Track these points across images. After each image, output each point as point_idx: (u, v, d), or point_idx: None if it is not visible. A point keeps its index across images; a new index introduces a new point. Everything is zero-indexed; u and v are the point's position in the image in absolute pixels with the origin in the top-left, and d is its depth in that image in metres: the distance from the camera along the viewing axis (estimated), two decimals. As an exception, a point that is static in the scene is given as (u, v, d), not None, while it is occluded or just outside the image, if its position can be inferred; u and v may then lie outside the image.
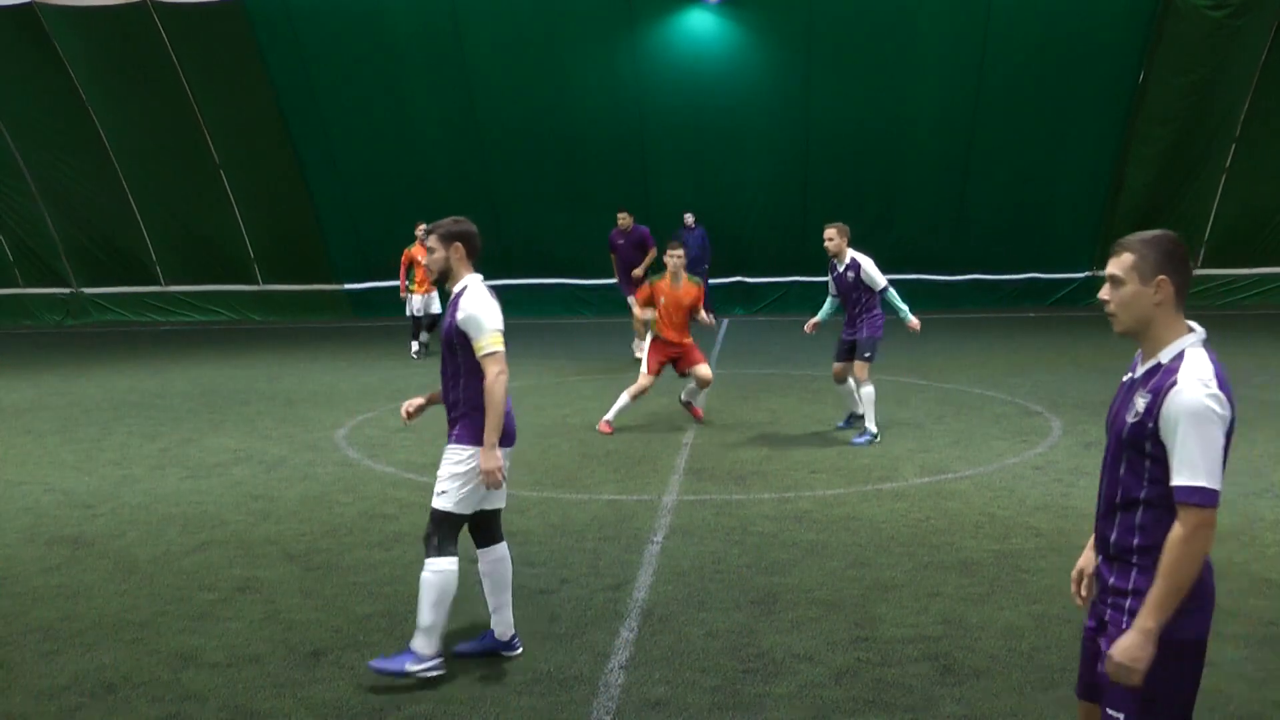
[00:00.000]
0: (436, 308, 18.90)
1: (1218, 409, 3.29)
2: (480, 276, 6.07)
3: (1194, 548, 3.28)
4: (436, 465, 6.08)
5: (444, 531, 5.91)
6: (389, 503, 9.62)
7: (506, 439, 5.98)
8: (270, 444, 12.25)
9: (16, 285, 27.53)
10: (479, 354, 5.81)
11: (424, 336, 19.13)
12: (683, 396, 12.91)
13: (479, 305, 5.86)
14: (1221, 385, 3.33)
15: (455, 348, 5.91)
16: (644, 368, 12.60)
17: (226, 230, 25.69)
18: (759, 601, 7.02)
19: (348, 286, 26.04)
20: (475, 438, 5.85)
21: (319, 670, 6.03)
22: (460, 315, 5.86)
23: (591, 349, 19.86)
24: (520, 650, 6.28)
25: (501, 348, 5.84)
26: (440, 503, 5.91)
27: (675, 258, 12.61)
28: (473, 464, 5.85)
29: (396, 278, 19.69)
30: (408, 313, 19.30)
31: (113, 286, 27.04)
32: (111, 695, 5.85)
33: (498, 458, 5.79)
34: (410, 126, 24.12)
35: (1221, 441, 3.31)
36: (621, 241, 18.66)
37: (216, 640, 6.53)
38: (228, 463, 11.38)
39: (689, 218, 21.83)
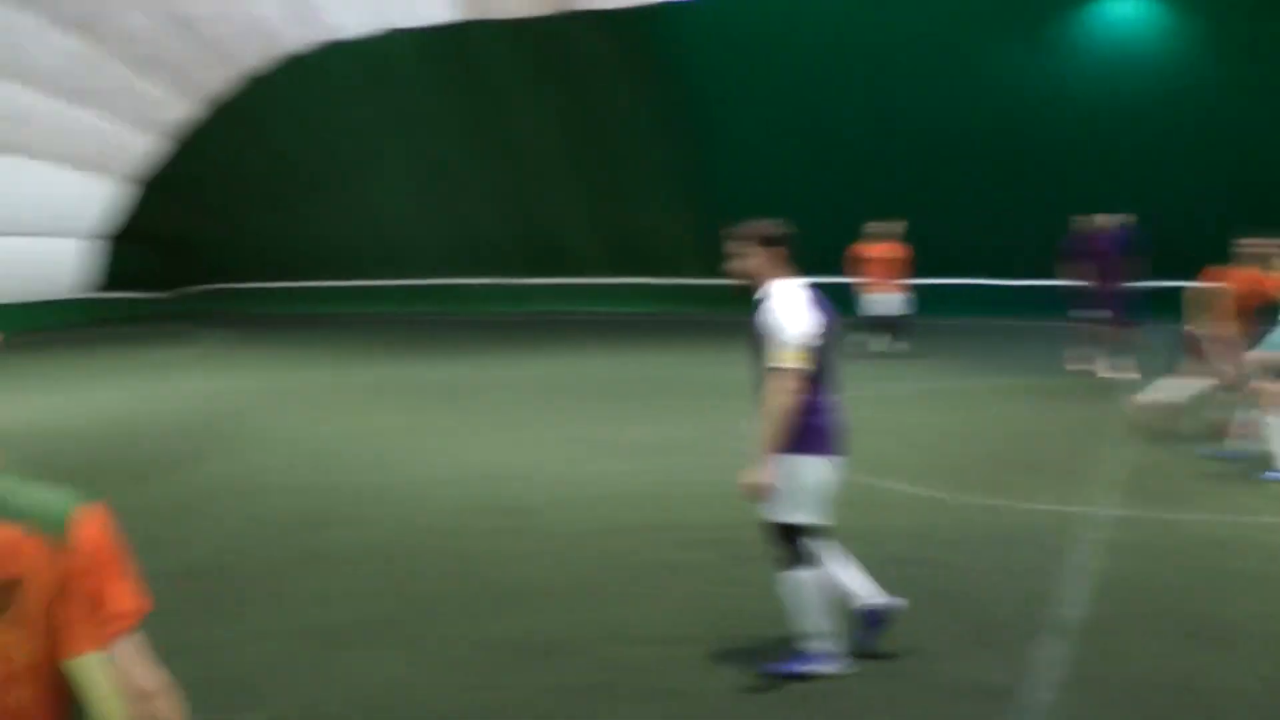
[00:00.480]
0: (897, 308, 18.62)
1: None
2: (795, 281, 5.80)
3: None
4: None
5: (790, 545, 5.76)
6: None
7: (822, 447, 5.73)
8: (702, 432, 12.59)
9: (463, 275, 29.89)
10: (771, 364, 5.57)
11: (876, 341, 18.48)
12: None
13: (783, 316, 5.60)
14: None
15: (762, 355, 5.69)
16: (1219, 361, 11.52)
17: (648, 226, 26.75)
18: (1197, 632, 6.55)
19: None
20: (810, 448, 5.67)
21: (749, 658, 6.14)
22: (766, 323, 5.64)
23: (1011, 352, 19.17)
24: (903, 603, 6.14)
25: (792, 365, 5.52)
26: (777, 515, 5.75)
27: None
28: (799, 470, 5.66)
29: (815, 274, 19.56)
30: (869, 312, 18.71)
31: (547, 278, 28.77)
32: (548, 658, 6.22)
33: (765, 475, 5.60)
34: (818, 124, 24.20)
35: None
36: (1101, 246, 16.62)
37: (647, 617, 6.80)
38: (660, 448, 11.80)
39: (1117, 219, 20.42)
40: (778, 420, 5.54)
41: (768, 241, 5.81)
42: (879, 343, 18.49)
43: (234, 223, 32.70)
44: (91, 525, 2.18)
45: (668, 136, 25.31)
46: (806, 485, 5.68)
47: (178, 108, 28.68)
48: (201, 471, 11.45)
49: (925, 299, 20.37)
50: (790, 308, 5.63)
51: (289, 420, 14.34)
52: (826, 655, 5.83)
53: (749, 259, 5.83)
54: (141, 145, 29.49)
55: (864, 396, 14.25)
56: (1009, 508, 9.27)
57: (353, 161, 29.34)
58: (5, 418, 15.30)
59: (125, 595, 2.21)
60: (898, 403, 13.86)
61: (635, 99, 25.23)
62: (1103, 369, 16.15)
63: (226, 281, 34.42)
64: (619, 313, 27.59)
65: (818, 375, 5.69)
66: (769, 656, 6.10)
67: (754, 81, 24.12)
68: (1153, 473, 10.47)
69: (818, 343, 5.65)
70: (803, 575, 5.75)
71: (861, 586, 6.06)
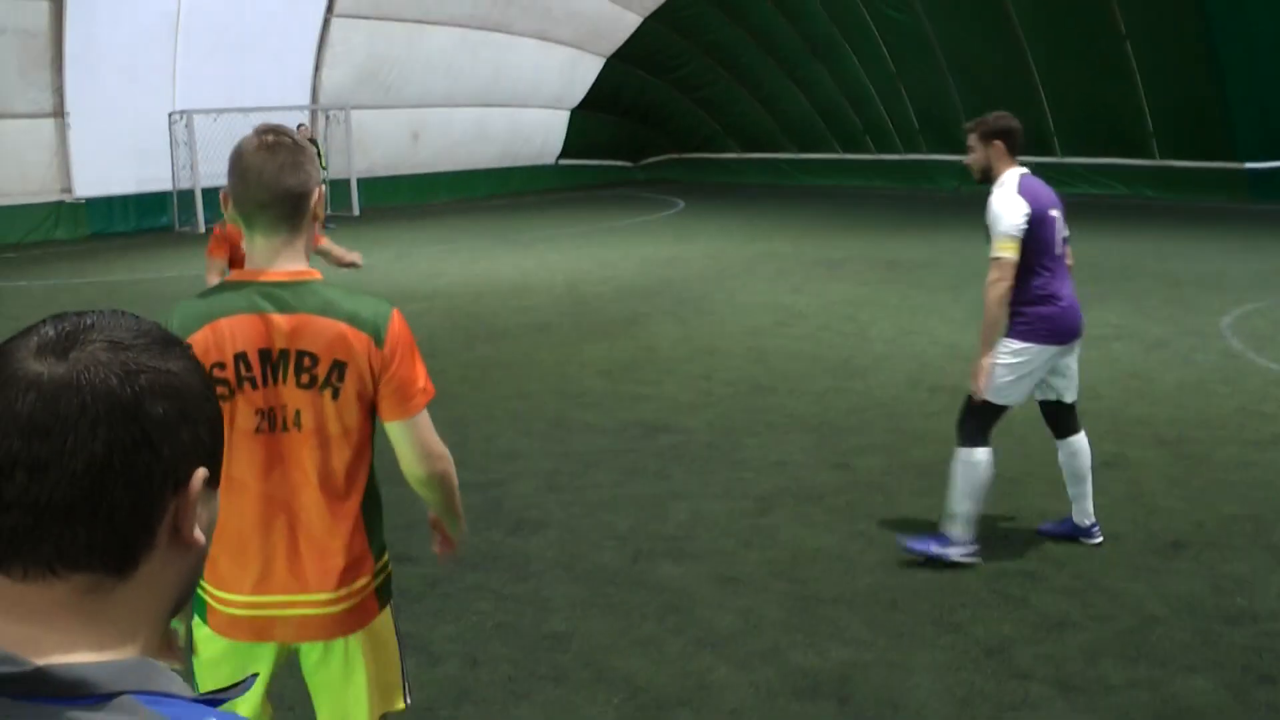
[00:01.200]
0: None
1: None
2: (1022, 170, 5.84)
3: None
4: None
5: (975, 420, 5.89)
6: (1270, 400, 9.03)
7: (1052, 336, 5.77)
8: (1152, 324, 12.02)
9: (920, 151, 29.38)
10: (990, 254, 5.73)
11: None
12: None
13: (999, 206, 5.71)
14: None
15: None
16: None
17: (1127, 102, 25.00)
18: None
19: (1249, 165, 24.23)
20: (1018, 334, 5.78)
21: (1177, 561, 5.92)
22: (987, 215, 5.76)
23: None
24: (1099, 540, 6.09)
25: (1006, 254, 5.66)
26: (978, 391, 5.85)
27: None
28: (1017, 360, 5.76)
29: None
30: None
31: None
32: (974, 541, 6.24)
33: (983, 366, 5.77)
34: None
35: None
36: None
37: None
38: (1108, 337, 11.34)
39: None
40: (992, 308, 5.74)
41: (989, 135, 5.88)
42: None
43: (703, 96, 33.73)
44: (399, 326, 2.80)
45: (1160, 3, 23.09)
46: (1013, 370, 5.79)
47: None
48: (657, 333, 12.10)
49: None
50: (1006, 200, 5.71)
51: (743, 288, 14.84)
52: (964, 543, 5.85)
53: (974, 153, 5.94)
54: (620, 22, 30.79)
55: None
56: None
57: (823, 36, 29.31)
58: (476, 273, 16.74)
59: (423, 377, 2.84)
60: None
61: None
62: None
63: (691, 152, 35.67)
64: (1087, 194, 26.30)
65: (1042, 264, 5.76)
66: (1203, 561, 5.84)
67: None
68: None
69: (1039, 233, 5.71)
70: (978, 455, 5.84)
71: (1082, 502, 6.14)
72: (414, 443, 2.81)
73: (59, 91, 22.65)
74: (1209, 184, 24.73)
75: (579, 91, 32.53)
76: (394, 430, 2.81)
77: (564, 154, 33.83)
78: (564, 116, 33.09)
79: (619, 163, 35.58)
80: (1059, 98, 25.88)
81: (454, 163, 30.48)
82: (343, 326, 2.71)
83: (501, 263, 18.05)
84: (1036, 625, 5.21)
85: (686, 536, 6.41)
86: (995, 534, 6.31)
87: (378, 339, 2.73)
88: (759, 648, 5.05)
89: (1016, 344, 5.80)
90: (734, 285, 15.15)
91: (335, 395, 2.72)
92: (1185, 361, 10.35)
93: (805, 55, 30.19)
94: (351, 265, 7.91)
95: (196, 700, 1.04)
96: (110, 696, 0.99)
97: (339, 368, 2.71)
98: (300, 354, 2.71)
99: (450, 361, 10.87)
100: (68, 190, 23.55)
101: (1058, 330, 5.81)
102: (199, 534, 1.11)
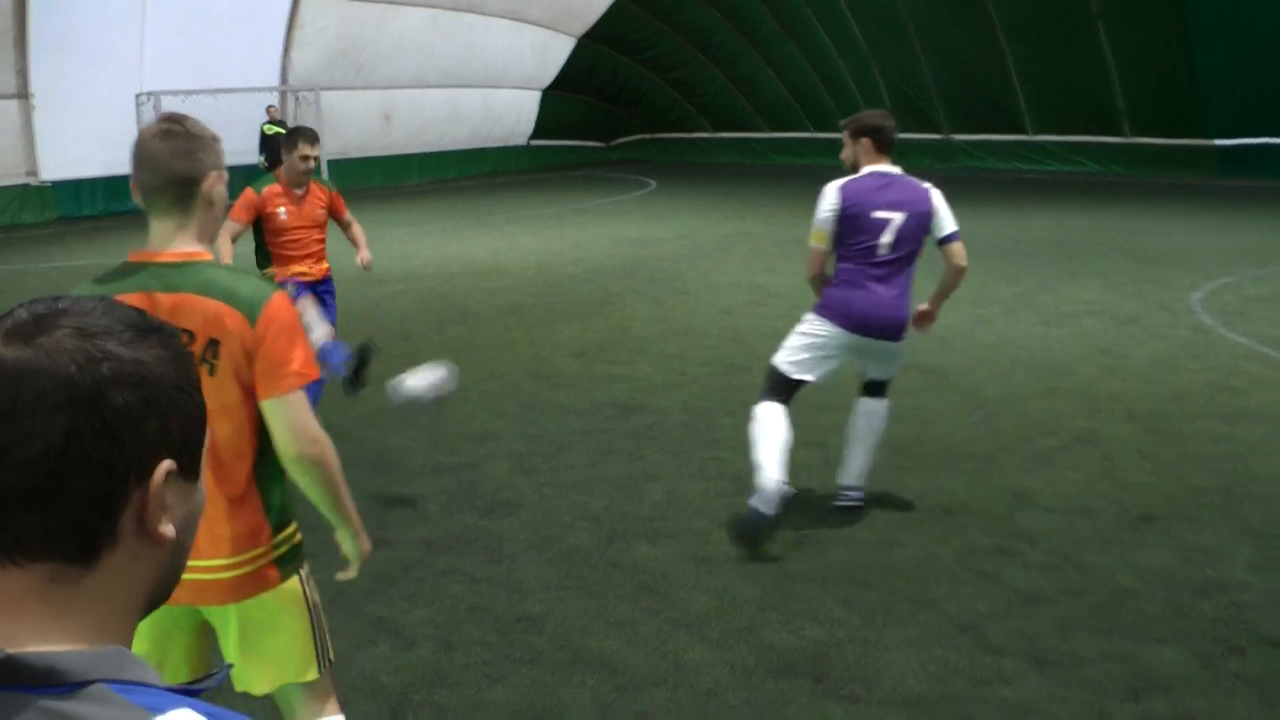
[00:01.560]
0: None
1: None
2: (875, 169, 6.08)
3: None
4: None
5: (769, 383, 6.20)
6: (1239, 375, 9.09)
7: (842, 320, 6.01)
8: (1123, 299, 12.08)
9: (900, 130, 29.39)
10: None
11: None
12: None
13: (821, 197, 6.02)
14: None
15: None
16: None
17: (1097, 80, 25.10)
18: None
19: (1219, 142, 24.36)
20: (816, 309, 6.13)
21: (1148, 535, 5.96)
22: None
23: None
24: (858, 503, 6.35)
25: (811, 242, 6.12)
26: (774, 355, 6.24)
27: None
28: (808, 330, 6.11)
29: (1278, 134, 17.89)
30: None
31: (981, 134, 27.79)
32: (948, 518, 6.25)
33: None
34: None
35: None
36: None
37: (1052, 486, 6.68)
38: (1079, 313, 11.41)
39: None
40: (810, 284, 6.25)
41: (858, 133, 6.19)
42: None
43: (675, 76, 33.67)
44: (277, 307, 2.87)
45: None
46: (803, 338, 6.15)
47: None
48: (630, 314, 12.09)
49: None
50: (826, 192, 6.02)
51: (716, 267, 14.83)
52: (773, 492, 5.84)
53: (846, 148, 6.26)
54: (592, 2, 30.66)
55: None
56: None
57: (795, 15, 29.25)
58: (448, 255, 16.68)
59: (298, 360, 2.88)
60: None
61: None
62: None
63: (663, 132, 35.60)
64: (1057, 171, 26.41)
65: (847, 255, 6.03)
66: (1173, 534, 5.88)
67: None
68: None
69: (849, 226, 5.96)
70: (759, 410, 6.10)
71: (851, 465, 6.40)
72: (284, 423, 2.88)
73: (23, 73, 22.40)
74: (1179, 161, 24.86)
75: (551, 72, 32.41)
76: (266, 409, 2.89)
77: (536, 134, 33.71)
78: (536, 97, 32.97)
79: (591, 143, 35.49)
80: (1030, 76, 25.94)
81: (425, 144, 30.34)
82: (219, 305, 2.82)
83: (473, 244, 17.98)
84: (1010, 601, 5.24)
85: (661, 517, 6.41)
86: (968, 511, 6.34)
87: (251, 318, 2.83)
88: (734, 627, 5.05)
89: (812, 317, 6.17)
90: (707, 265, 15.15)
91: (211, 371, 2.82)
92: (1156, 337, 10.41)
93: (778, 35, 30.16)
94: (362, 261, 8.35)
95: (172, 690, 1.03)
96: (82, 685, 0.98)
97: (213, 345, 2.81)
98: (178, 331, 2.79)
99: (422, 343, 10.84)
100: (33, 173, 23.33)
101: (848, 316, 6.03)
102: (167, 527, 1.08)
